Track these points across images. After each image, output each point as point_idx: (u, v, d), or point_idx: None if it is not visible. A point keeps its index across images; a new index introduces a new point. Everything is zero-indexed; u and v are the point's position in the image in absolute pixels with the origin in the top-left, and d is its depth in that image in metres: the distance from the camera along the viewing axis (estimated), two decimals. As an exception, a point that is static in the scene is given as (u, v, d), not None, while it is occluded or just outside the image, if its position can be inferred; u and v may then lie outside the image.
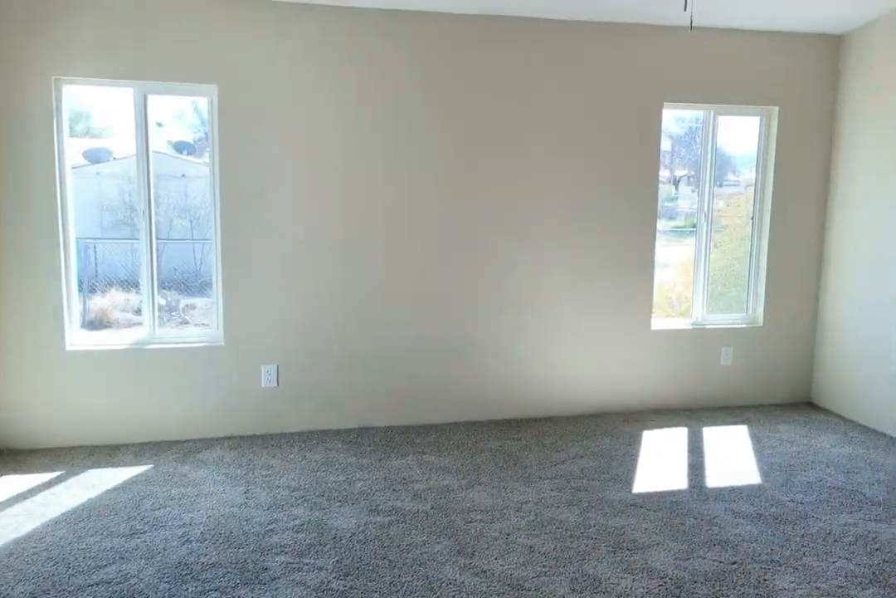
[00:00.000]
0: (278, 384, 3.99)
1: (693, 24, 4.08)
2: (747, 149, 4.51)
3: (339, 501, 3.20)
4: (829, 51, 4.36)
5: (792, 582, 2.59)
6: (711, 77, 4.26)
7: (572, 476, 3.48)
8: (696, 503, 3.20)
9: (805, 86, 4.37)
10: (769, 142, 4.45)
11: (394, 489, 3.32)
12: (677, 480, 3.45)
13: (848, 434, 4.09)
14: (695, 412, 4.46)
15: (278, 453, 3.74)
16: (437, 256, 4.09)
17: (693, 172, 4.48)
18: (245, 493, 3.28)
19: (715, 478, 3.48)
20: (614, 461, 3.67)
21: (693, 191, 4.55)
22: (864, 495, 3.29)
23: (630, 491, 3.32)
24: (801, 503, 3.21)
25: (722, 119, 4.41)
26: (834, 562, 2.73)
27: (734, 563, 2.71)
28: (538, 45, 4.03)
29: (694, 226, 4.55)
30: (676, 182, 4.69)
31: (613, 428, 4.16)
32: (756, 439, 4.00)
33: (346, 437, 3.98)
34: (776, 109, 4.38)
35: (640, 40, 4.14)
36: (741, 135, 4.44)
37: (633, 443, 3.93)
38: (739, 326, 4.56)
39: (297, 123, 3.83)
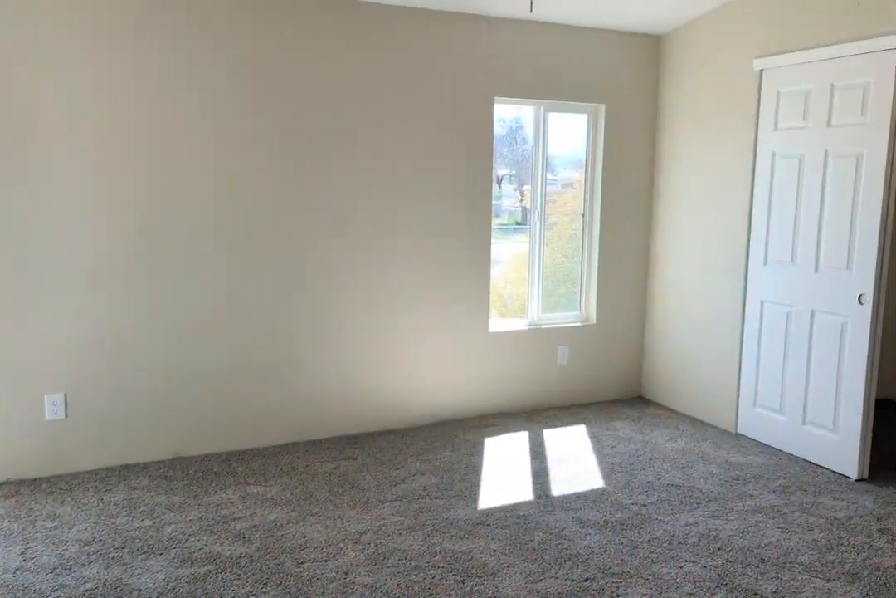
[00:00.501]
0: (67, 415, 3.36)
1: (527, 15, 3.97)
2: (563, 148, 4.48)
3: (144, 552, 2.70)
4: (652, 50, 4.44)
5: (644, 595, 2.49)
6: (542, 72, 4.18)
7: (414, 496, 3.22)
8: (543, 514, 3.06)
9: (630, 84, 4.42)
10: (596, 139, 4.46)
11: (211, 531, 2.87)
12: (523, 490, 3.30)
13: (679, 428, 4.18)
14: (534, 414, 4.38)
15: (68, 499, 3.14)
16: (253, 264, 3.66)
17: (514, 171, 4.40)
18: (22, 554, 2.68)
19: (560, 485, 3.37)
20: (457, 475, 3.45)
21: (516, 189, 4.47)
22: (701, 491, 3.32)
23: (476, 508, 3.11)
24: (644, 505, 3.17)
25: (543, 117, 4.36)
26: (681, 567, 2.67)
27: (587, 579, 2.57)
28: (361, 34, 3.73)
29: (518, 223, 4.47)
30: (499, 181, 4.59)
31: (454, 437, 3.96)
32: (595, 439, 3.97)
33: (155, 471, 3.44)
34: (603, 106, 4.40)
35: (469, 31, 3.96)
36: (556, 134, 4.40)
37: (475, 453, 3.74)
38: (574, 324, 4.54)
39: (84, 115, 3.23)
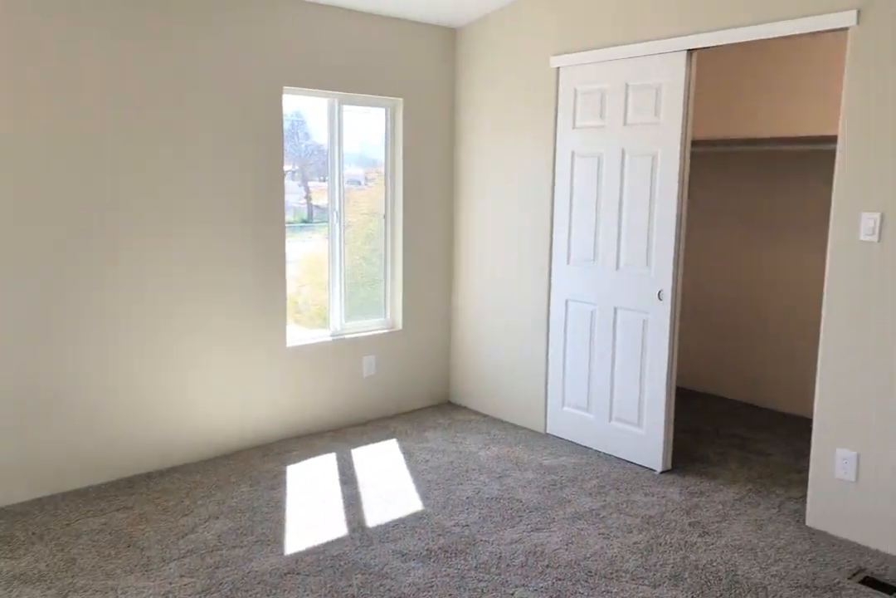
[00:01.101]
0: None
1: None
2: (359, 144, 4.17)
3: None
4: (449, 44, 4.25)
5: (480, 636, 2.26)
6: (337, 62, 3.81)
7: (207, 549, 2.72)
8: (360, 551, 2.72)
9: (429, 78, 4.20)
10: (395, 135, 4.19)
11: (-72, 633, 2.19)
12: (335, 524, 2.94)
13: (490, 433, 4.05)
14: (342, 432, 4.02)
15: None
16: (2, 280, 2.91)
17: (298, 167, 4.01)
18: None
19: (375, 512, 3.05)
20: (258, 516, 3.00)
21: (300, 186, 4.08)
22: (521, 502, 3.19)
23: (282, 554, 2.69)
24: (467, 525, 2.96)
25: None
26: (513, 594, 2.48)
27: (415, 626, 2.29)
28: (131, 22, 3.11)
29: (305, 221, 4.08)
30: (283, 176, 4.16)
31: (252, 469, 3.48)
32: (408, 455, 3.71)
33: None
34: (401, 100, 4.13)
35: (255, 14, 3.48)
36: (352, 129, 4.08)
37: (278, 485, 3.31)
38: (380, 332, 4.25)
39: None
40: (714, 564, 2.69)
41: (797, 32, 2.81)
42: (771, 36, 2.90)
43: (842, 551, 2.77)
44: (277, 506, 3.09)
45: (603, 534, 2.91)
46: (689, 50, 3.20)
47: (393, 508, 3.10)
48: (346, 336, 4.10)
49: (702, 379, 4.82)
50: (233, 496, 3.17)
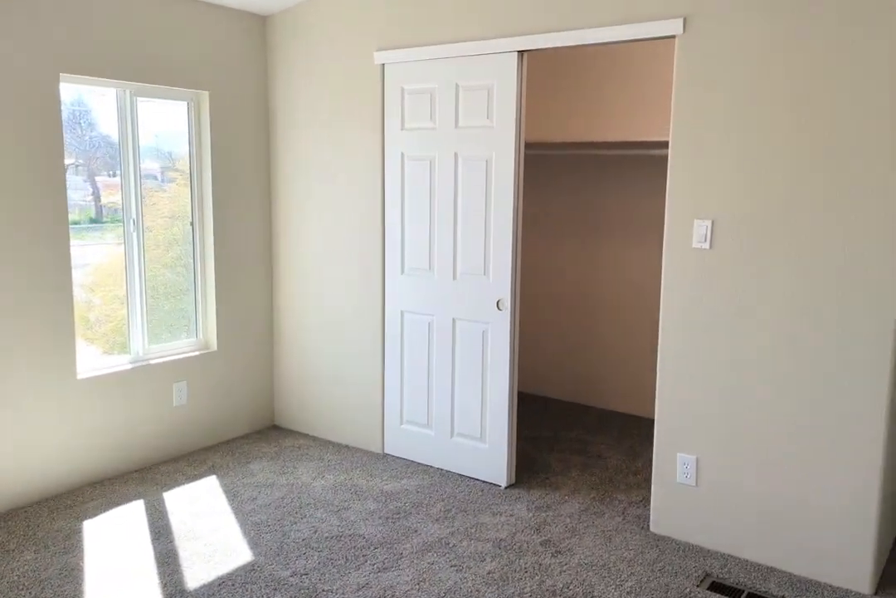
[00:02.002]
0: None
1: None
2: (158, 140, 3.66)
3: None
4: (257, 32, 3.84)
5: None
6: (126, 49, 3.27)
7: (-26, 647, 2.16)
8: (179, 623, 2.30)
9: (240, 71, 3.76)
10: (201, 133, 3.71)
11: None
12: (147, 592, 2.47)
13: (324, 459, 3.71)
14: (151, 472, 3.49)
15: None
16: None
17: (82, 161, 3.44)
18: None
19: (196, 570, 2.62)
20: (47, 591, 2.45)
21: (85, 181, 3.51)
22: (364, 538, 2.90)
23: (79, 641, 2.20)
24: (306, 574, 2.62)
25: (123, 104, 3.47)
26: (365, 654, 2.20)
27: None
28: None
29: (93, 221, 3.51)
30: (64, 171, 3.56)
31: (38, 529, 2.88)
32: (232, 494, 3.27)
33: None
34: (207, 94, 3.66)
35: (9, -32, 2.87)
36: (150, 124, 3.57)
37: (72, 548, 2.75)
38: (192, 354, 3.74)
39: None
40: (570, 587, 2.58)
41: (626, 39, 2.78)
42: (601, 41, 2.85)
43: (688, 556, 2.78)
44: (72, 576, 2.55)
45: (455, 566, 2.70)
46: (519, 51, 3.09)
47: (218, 563, 2.68)
48: (152, 361, 3.56)
49: (536, 382, 4.82)
50: (13, 569, 2.58)
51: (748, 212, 2.61)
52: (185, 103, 3.67)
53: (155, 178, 3.69)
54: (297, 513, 3.10)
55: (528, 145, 4.27)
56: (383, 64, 3.50)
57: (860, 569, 2.52)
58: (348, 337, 3.82)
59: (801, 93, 2.47)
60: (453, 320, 3.44)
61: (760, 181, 2.58)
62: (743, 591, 2.56)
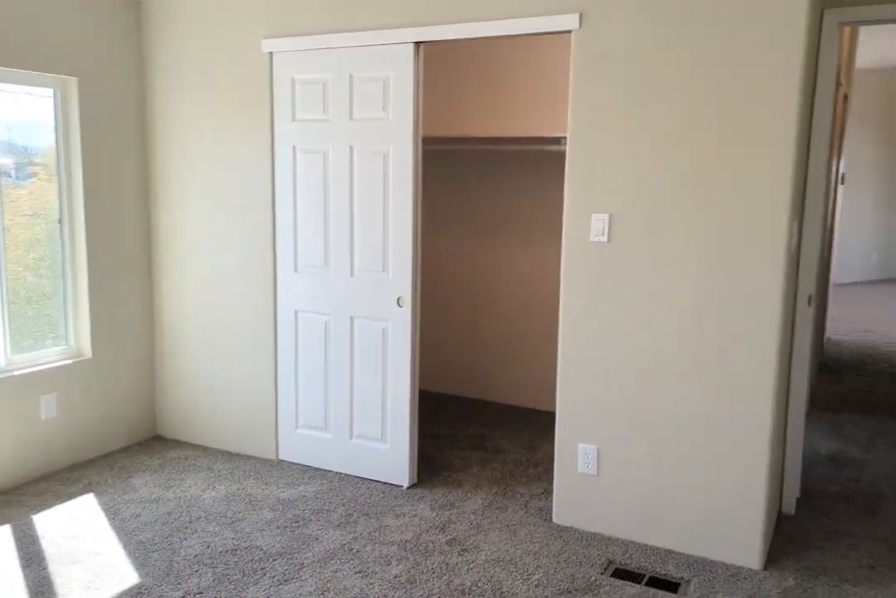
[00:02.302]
0: None
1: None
2: (15, 130, 3.34)
3: None
4: (132, 16, 3.58)
5: None
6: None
7: None
8: (58, 657, 2.07)
9: (110, 54, 3.48)
10: (70, 121, 3.41)
11: None
12: (16, 624, 2.21)
13: (214, 469, 3.50)
14: (16, 495, 3.15)
15: None
16: None
17: None
18: None
19: (82, 597, 2.37)
20: None
21: None
22: (262, 550, 2.74)
23: None
24: (201, 593, 2.43)
25: (-4, 77, 3.14)
26: (272, 671, 2.06)
27: None
28: None
29: None
30: None
31: None
32: (112, 512, 3.01)
33: None
34: (75, 80, 3.36)
35: None
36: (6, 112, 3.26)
37: (-77, 580, 2.43)
38: (63, 362, 3.42)
39: None
40: (479, 584, 2.55)
41: (523, 32, 2.80)
42: (498, 34, 2.85)
43: (591, 545, 2.82)
44: (-77, 615, 2.25)
45: (360, 572, 2.61)
46: (416, 42, 3.04)
47: (99, 588, 2.44)
48: (16, 373, 3.22)
49: (434, 379, 4.78)
50: None
51: (643, 205, 2.69)
52: (51, 91, 3.35)
53: (8, 175, 3.33)
54: (186, 528, 2.89)
55: (424, 140, 4.24)
56: (271, 52, 3.35)
57: (750, 546, 2.65)
58: (237, 339, 3.62)
59: (690, 90, 2.57)
60: (351, 319, 3.34)
61: (653, 176, 2.66)
62: (644, 575, 2.63)
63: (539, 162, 4.26)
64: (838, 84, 3.97)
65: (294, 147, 3.36)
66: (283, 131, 3.38)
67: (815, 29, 2.64)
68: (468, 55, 4.36)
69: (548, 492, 3.28)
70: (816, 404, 4.62)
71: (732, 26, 2.47)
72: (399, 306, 3.21)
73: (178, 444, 3.82)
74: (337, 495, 3.23)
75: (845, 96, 5.05)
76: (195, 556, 2.67)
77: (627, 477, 2.84)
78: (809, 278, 2.95)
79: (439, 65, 4.45)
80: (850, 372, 5.38)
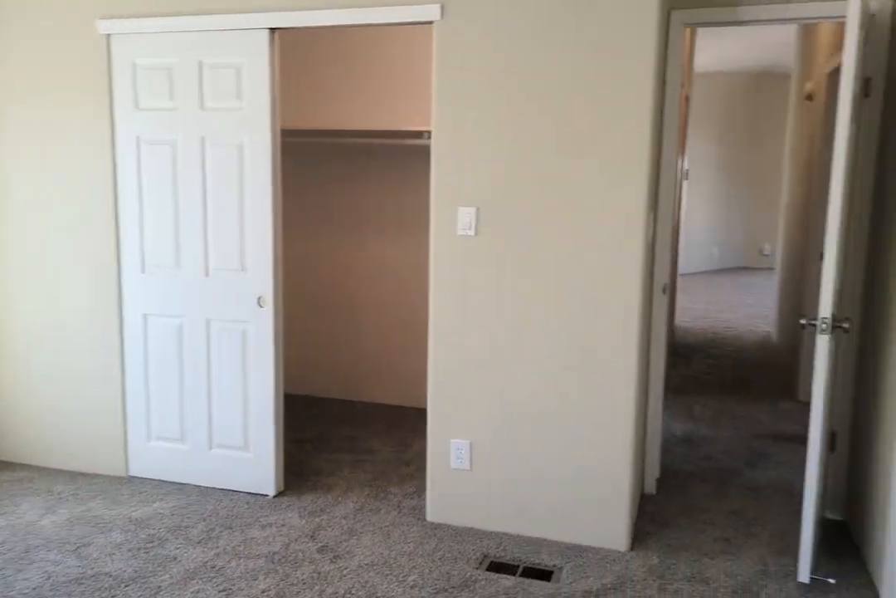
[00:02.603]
0: None
1: None
2: None
3: None
4: (-66, -19, 3.16)
5: None
6: None
7: None
8: None
9: None
10: None
11: None
12: None
13: (53, 490, 3.17)
14: None
15: None
16: None
17: None
18: None
19: None
20: None
21: None
22: (111, 576, 2.50)
23: None
24: (40, 629, 2.18)
25: None
26: None
27: None
28: None
29: None
30: None
31: None
32: (-69, 546, 2.65)
33: None
34: None
35: None
36: None
37: None
38: None
39: None
40: (353, 591, 2.45)
41: (384, 22, 2.73)
42: (357, 22, 2.76)
43: (465, 541, 2.81)
44: None
45: (224, 590, 2.44)
46: (270, 28, 2.89)
47: (-86, 635, 2.13)
48: None
49: (299, 381, 4.61)
50: None
51: (509, 198, 2.70)
52: None
53: None
54: (22, 558, 2.59)
55: (286, 132, 4.07)
56: (109, 34, 3.07)
57: (617, 530, 2.73)
58: (77, 347, 3.30)
59: (554, 84, 2.60)
60: (207, 321, 3.13)
61: (519, 168, 2.68)
62: (518, 566, 2.64)
63: (408, 156, 4.21)
64: (682, 84, 4.20)
65: (138, 137, 3.10)
66: (124, 120, 3.11)
67: (664, 29, 2.75)
68: (333, 44, 4.23)
69: (420, 490, 3.23)
70: (670, 386, 4.89)
71: (593, 24, 2.53)
72: (260, 306, 3.05)
73: (9, 466, 3.43)
74: (196, 511, 3.02)
75: (686, 97, 5.38)
76: (34, 589, 2.40)
77: (499, 470, 2.85)
78: (664, 268, 3.09)
79: (301, 53, 4.28)
80: (698, 356, 5.75)
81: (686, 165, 6.02)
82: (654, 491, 3.24)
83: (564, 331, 2.70)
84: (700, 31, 7.05)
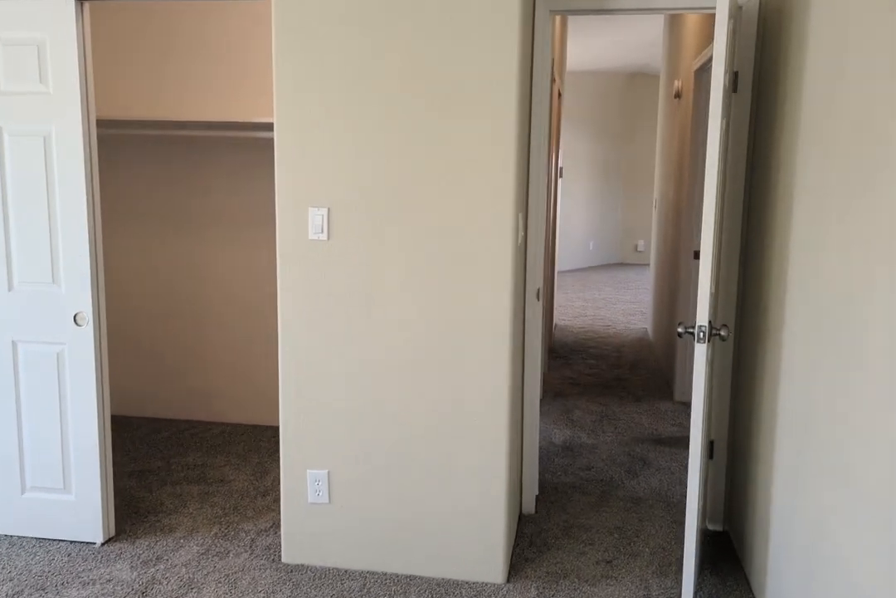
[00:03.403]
0: None
1: None
2: None
3: None
4: None
5: None
6: None
7: None
8: None
9: None
10: None
11: None
12: None
13: None
14: None
15: None
16: None
17: None
18: None
19: None
20: None
21: None
22: None
23: None
24: None
25: None
26: None
27: None
28: None
29: None
30: None
31: None
32: None
33: None
34: None
35: None
36: None
37: None
38: None
39: None
40: (189, 659, 2.09)
41: (213, -7, 2.36)
42: (182, -7, 2.37)
43: (325, 584, 2.49)
44: None
45: (27, 673, 2.01)
46: (77, -3, 2.44)
47: None
48: None
49: (141, 403, 4.11)
50: None
51: (365, 198, 2.40)
52: None
53: None
54: None
55: (104, 123, 3.58)
56: None
57: (493, 561, 2.50)
58: None
59: (410, 70, 2.32)
60: (14, 344, 2.64)
61: (375, 165, 2.38)
62: (385, 611, 2.36)
63: (262, 150, 3.81)
64: (553, 79, 4.04)
65: (-84, 122, 2.57)
66: None
67: (529, 15, 2.53)
68: (156, 21, 3.75)
69: (278, 524, 2.89)
70: (549, 390, 4.76)
71: (453, 7, 2.26)
72: (77, 324, 2.59)
73: None
74: (3, 568, 2.54)
75: (559, 93, 5.27)
76: None
77: (362, 502, 2.55)
78: (537, 272, 2.89)
79: (118, 30, 3.78)
80: (577, 356, 5.68)
81: (561, 163, 5.94)
82: (532, 510, 3.04)
83: (431, 345, 2.43)
84: (573, 29, 7.02)
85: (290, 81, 2.37)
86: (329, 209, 2.42)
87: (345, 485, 2.55)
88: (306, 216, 2.44)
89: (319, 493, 2.56)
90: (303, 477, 2.57)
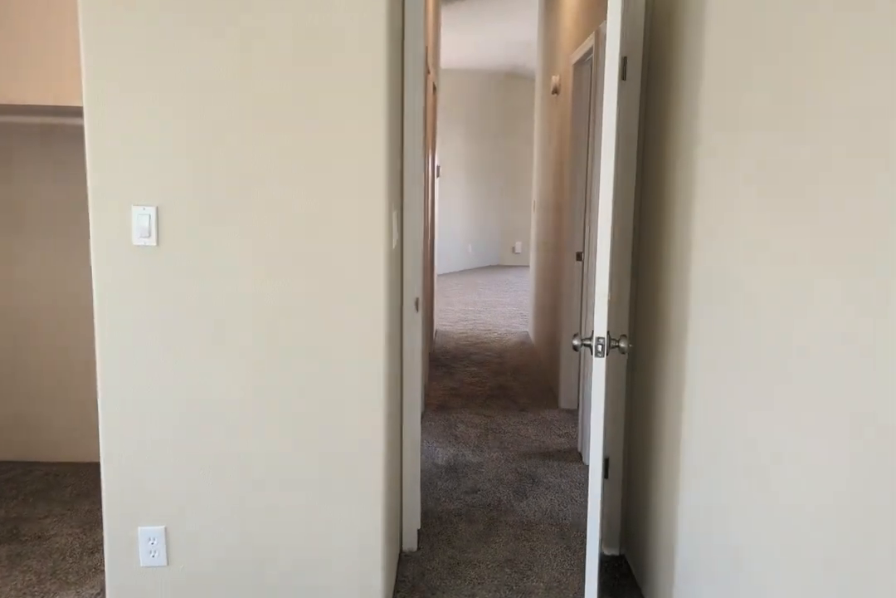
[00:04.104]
0: None
1: None
2: None
3: None
4: None
5: None
6: None
7: None
8: None
9: None
10: None
11: None
12: None
13: None
14: None
15: None
16: None
17: None
18: None
19: None
20: None
21: None
22: None
23: None
24: None
25: None
26: None
27: None
28: None
29: None
30: None
31: None
32: None
33: None
34: None
35: None
36: None
37: None
38: None
39: None
40: None
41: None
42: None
43: (164, 667, 2.03)
44: None
45: None
46: None
47: None
48: None
49: (-52, 445, 3.41)
50: None
51: (200, 194, 1.96)
52: None
53: None
54: None
55: None
56: None
57: (369, 619, 2.14)
58: None
59: (262, 42, 1.91)
60: None
61: (209, 152, 1.95)
62: None
63: (65, 139, 3.23)
64: (427, 71, 3.73)
65: None
66: None
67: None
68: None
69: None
70: (430, 403, 4.45)
71: (295, -43, 1.87)
72: None
73: None
74: None
75: (434, 87, 4.97)
76: None
77: (209, 560, 2.11)
78: (416, 279, 2.55)
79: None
80: (459, 364, 5.41)
81: (438, 162, 5.65)
82: (414, 547, 2.70)
83: (293, 371, 2.03)
84: (446, 24, 6.76)
85: (101, 59, 1.90)
86: (157, 209, 1.97)
87: (186, 543, 2.10)
88: (129, 217, 1.97)
89: (154, 554, 2.09)
90: (133, 537, 2.09)
